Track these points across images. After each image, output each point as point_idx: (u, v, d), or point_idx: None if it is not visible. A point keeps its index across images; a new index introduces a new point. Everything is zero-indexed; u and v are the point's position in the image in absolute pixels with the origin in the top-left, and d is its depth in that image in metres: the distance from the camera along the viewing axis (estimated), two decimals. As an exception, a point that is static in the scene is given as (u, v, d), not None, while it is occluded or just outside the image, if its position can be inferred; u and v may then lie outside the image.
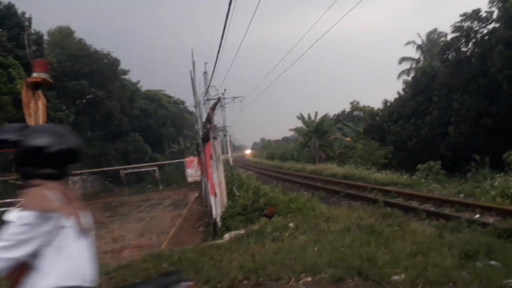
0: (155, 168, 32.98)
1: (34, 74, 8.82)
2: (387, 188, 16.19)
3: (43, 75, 8.77)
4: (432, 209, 11.05)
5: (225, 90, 13.81)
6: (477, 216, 9.35)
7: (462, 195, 12.91)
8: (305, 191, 17.83)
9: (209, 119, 9.78)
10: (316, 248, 5.81)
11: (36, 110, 8.38)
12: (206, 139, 12.29)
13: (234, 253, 6.14)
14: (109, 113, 34.37)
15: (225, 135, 13.75)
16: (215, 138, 9.72)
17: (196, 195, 24.78)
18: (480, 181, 14.19)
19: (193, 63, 15.44)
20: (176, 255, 6.32)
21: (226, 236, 7.46)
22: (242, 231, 7.53)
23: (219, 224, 9.69)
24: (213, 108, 10.23)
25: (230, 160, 14.39)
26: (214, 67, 16.91)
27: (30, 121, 8.40)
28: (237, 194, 10.22)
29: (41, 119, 8.64)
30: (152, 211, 20.41)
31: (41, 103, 8.71)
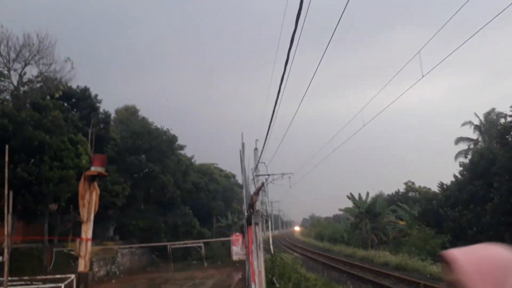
0: (201, 244, 32.93)
1: (93, 168, 9.62)
2: (442, 285, 14.78)
3: (100, 169, 9.53)
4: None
5: (268, 176, 13.96)
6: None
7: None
8: (352, 284, 16.71)
9: (252, 204, 9.84)
10: None
11: (89, 200, 8.98)
12: (249, 222, 12.30)
13: None
14: (163, 187, 35.73)
15: (266, 221, 13.57)
16: (256, 224, 9.68)
17: (240, 276, 24.12)
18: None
19: (243, 145, 16.01)
20: None
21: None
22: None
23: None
24: (256, 193, 10.33)
25: (271, 247, 14.01)
26: (264, 145, 17.37)
27: (83, 211, 8.99)
28: (277, 286, 9.85)
29: (93, 208, 9.22)
30: (194, 292, 20.08)
31: (95, 194, 9.33)
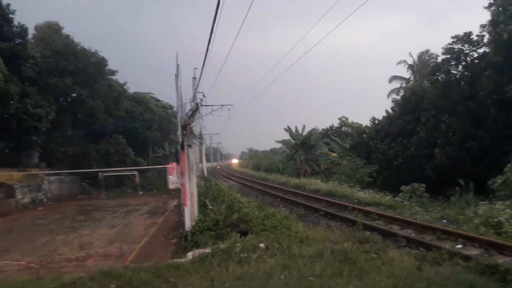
0: (135, 172, 32.07)
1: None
2: (369, 209, 15.67)
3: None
4: (412, 235, 10.52)
5: (204, 96, 13.19)
6: (459, 246, 8.87)
7: (445, 221, 12.48)
8: (285, 207, 17.25)
9: (185, 126, 9.19)
10: (282, 276, 5.23)
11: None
12: (183, 147, 11.71)
13: (192, 276, 5.53)
14: (92, 112, 33.43)
15: (200, 143, 13.06)
16: (189, 146, 9.15)
17: (175, 202, 24.04)
18: (463, 207, 13.79)
19: (177, 66, 14.84)
20: (128, 275, 5.68)
21: (189, 255, 6.84)
22: (207, 250, 6.91)
23: (189, 238, 9.07)
24: (189, 115, 9.66)
25: (205, 170, 13.71)
26: (201, 72, 16.34)
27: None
28: (210, 207, 9.58)
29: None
30: (127, 218, 19.66)
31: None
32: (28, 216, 21.64)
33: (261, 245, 7.17)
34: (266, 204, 14.54)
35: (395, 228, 11.77)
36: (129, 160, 38.51)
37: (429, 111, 24.72)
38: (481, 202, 12.30)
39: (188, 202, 9.11)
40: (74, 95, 33.49)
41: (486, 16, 21.64)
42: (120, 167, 34.02)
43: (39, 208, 24.92)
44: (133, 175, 32.32)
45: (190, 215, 9.03)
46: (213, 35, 10.10)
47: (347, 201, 18.63)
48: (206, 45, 10.70)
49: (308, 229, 9.49)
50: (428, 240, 9.76)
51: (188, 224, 9.15)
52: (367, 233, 9.70)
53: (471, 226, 10.22)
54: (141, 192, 31.10)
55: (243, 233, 8.56)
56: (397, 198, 17.94)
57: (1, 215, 21.40)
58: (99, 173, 30.22)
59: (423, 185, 18.36)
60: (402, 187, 18.98)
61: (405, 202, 16.80)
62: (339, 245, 6.95)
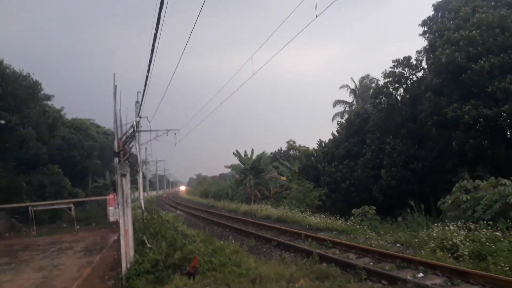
0: (71, 205, 29.46)
1: None
2: (322, 235, 15.09)
3: None
4: (371, 264, 9.96)
5: (140, 117, 12.13)
6: (421, 275, 8.39)
7: (399, 244, 12.15)
8: (235, 238, 16.19)
9: (118, 152, 8.07)
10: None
11: None
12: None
13: None
14: (23, 141, 30.59)
15: (137, 171, 11.84)
16: (123, 175, 8.00)
17: (116, 237, 22.09)
18: (415, 229, 13.62)
19: (115, 87, 13.58)
20: None
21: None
22: (142, 301, 5.77)
23: (123, 283, 7.79)
24: (124, 141, 8.54)
25: (142, 201, 12.46)
26: (143, 95, 15.28)
27: None
28: (149, 245, 8.39)
29: None
30: (58, 257, 17.58)
31: None
32: None
33: (208, 290, 6.17)
34: (214, 236, 13.48)
35: (352, 257, 11.18)
36: (66, 192, 35.60)
37: (373, 133, 25.19)
38: (435, 225, 12.11)
39: (122, 241, 7.88)
40: (2, 122, 30.57)
41: (420, 43, 22.76)
42: (56, 199, 31.21)
43: (-46, 250, 21.78)
44: (69, 208, 29.65)
45: (125, 256, 7.79)
46: (154, 54, 9.32)
47: (299, 228, 17.99)
48: (147, 67, 9.84)
49: (260, 263, 8.59)
50: (388, 269, 9.20)
51: (123, 266, 7.90)
52: (324, 265, 8.99)
53: (427, 251, 9.87)
54: (78, 227, 28.48)
55: (191, 274, 7.48)
56: (348, 222, 17.60)
57: None
58: (29, 208, 27.34)
59: (373, 207, 18.24)
60: (353, 210, 18.74)
61: (357, 226, 16.49)
62: (295, 284, 6.11)
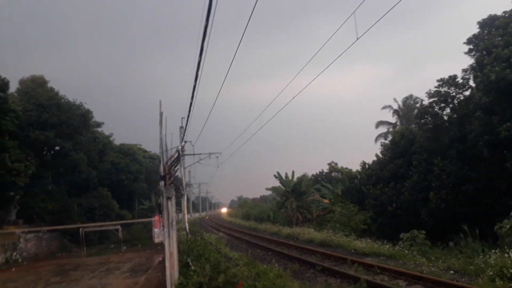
0: (118, 227, 30.45)
1: None
2: (369, 260, 14.53)
3: None
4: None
5: (184, 142, 12.48)
6: (480, 306, 7.87)
7: (452, 271, 11.44)
8: (278, 262, 15.95)
9: (164, 176, 8.31)
10: None
11: None
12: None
13: None
14: (75, 165, 32.38)
15: (182, 195, 12.12)
16: (169, 198, 8.20)
17: (160, 258, 22.49)
18: (470, 255, 12.79)
19: (161, 114, 14.17)
20: None
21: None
22: (187, 324, 5.78)
23: (168, 306, 7.87)
24: (170, 165, 8.81)
25: (186, 224, 12.62)
26: (187, 121, 15.78)
27: None
28: (193, 268, 8.46)
29: None
30: (106, 277, 18.12)
31: None
32: (-1, 279, 19.85)
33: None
34: (257, 260, 13.36)
35: (402, 284, 10.65)
36: (114, 214, 36.94)
37: (420, 154, 24.28)
38: (492, 251, 11.31)
39: (167, 263, 8.02)
40: (56, 148, 32.55)
41: (466, 61, 22.03)
42: (104, 221, 32.46)
43: (12, 269, 23.06)
44: (117, 229, 30.66)
45: (170, 278, 7.90)
46: (197, 82, 9.66)
47: (344, 252, 17.46)
48: (191, 94, 10.21)
49: (304, 290, 8.38)
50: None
51: (168, 288, 8.01)
52: (372, 292, 8.64)
53: (485, 279, 9.21)
54: (124, 248, 29.32)
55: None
56: (396, 247, 16.86)
57: (-31, 278, 19.63)
58: (80, 229, 28.55)
59: (423, 232, 17.39)
60: (402, 235, 17.95)
61: (406, 251, 15.75)
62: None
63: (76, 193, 35.57)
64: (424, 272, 11.54)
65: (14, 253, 25.47)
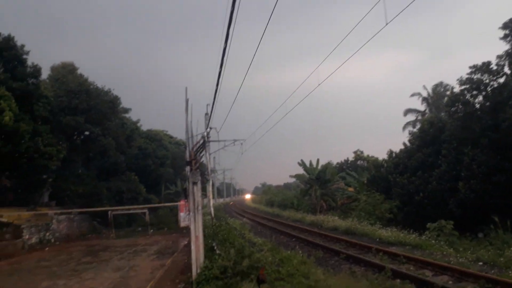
0: (145, 210, 31.23)
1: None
2: (394, 250, 14.36)
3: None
4: (451, 283, 9.25)
5: (211, 128, 12.58)
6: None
7: (481, 263, 11.17)
8: (301, 249, 16.00)
9: (190, 161, 8.43)
10: None
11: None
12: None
13: None
14: (104, 150, 33.28)
15: (207, 180, 12.29)
16: (195, 183, 8.32)
17: (186, 242, 22.97)
18: (501, 246, 12.44)
19: (187, 101, 14.29)
20: None
21: (191, 313, 5.85)
22: (213, 306, 5.90)
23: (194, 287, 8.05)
24: (196, 150, 8.91)
25: (211, 209, 12.79)
26: (212, 108, 15.91)
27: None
28: (218, 252, 8.60)
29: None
30: (134, 259, 18.66)
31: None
32: (33, 257, 20.79)
33: (276, 299, 6.15)
34: (281, 246, 13.44)
35: (429, 274, 10.45)
36: (141, 198, 37.89)
37: (450, 143, 23.62)
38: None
39: (193, 246, 8.17)
40: (86, 133, 33.52)
41: (501, 47, 21.10)
42: (132, 204, 33.35)
43: (46, 248, 24.10)
44: (144, 213, 31.47)
45: (195, 261, 8.06)
46: (223, 68, 9.67)
47: (369, 241, 17.32)
48: (216, 80, 10.23)
49: (329, 276, 8.37)
50: (471, 290, 8.49)
51: (193, 271, 8.17)
52: (398, 281, 8.52)
53: (516, 271, 8.95)
54: (151, 231, 30.10)
55: (261, 281, 7.52)
56: (423, 237, 16.58)
57: (6, 256, 20.62)
58: (109, 212, 29.47)
59: (451, 222, 17.01)
60: (429, 225, 17.62)
61: (433, 241, 15.47)
62: (367, 300, 5.87)
63: (105, 177, 36.65)
64: (452, 262, 11.31)
65: (47, 234, 26.53)
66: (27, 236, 24.35)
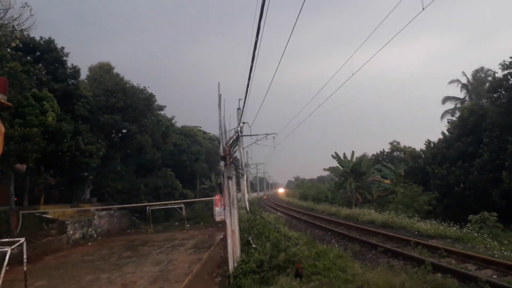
0: (182, 205, 31.92)
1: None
2: (433, 243, 13.93)
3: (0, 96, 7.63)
4: (495, 277, 8.89)
5: (244, 123, 12.63)
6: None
7: (528, 257, 10.65)
8: (337, 243, 15.83)
9: (225, 156, 8.52)
10: None
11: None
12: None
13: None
14: (141, 147, 34.17)
15: (242, 174, 12.39)
16: (230, 177, 8.40)
17: (221, 236, 23.32)
18: (550, 239, 11.83)
19: (219, 96, 14.47)
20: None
21: (229, 306, 5.93)
22: (250, 300, 5.96)
23: (231, 282, 8.16)
24: (230, 145, 8.99)
25: (246, 203, 12.88)
26: (244, 102, 15.98)
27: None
28: (254, 246, 8.66)
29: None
30: (172, 253, 19.16)
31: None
32: (78, 252, 21.77)
33: (313, 293, 6.13)
34: (316, 240, 13.36)
35: (471, 268, 10.09)
36: (177, 193, 38.69)
37: (492, 131, 22.57)
38: None
39: (229, 241, 8.28)
40: (123, 131, 34.54)
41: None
42: (168, 200, 34.14)
43: (89, 243, 25.16)
44: (180, 208, 32.19)
45: (232, 254, 8.17)
46: (254, 62, 9.66)
47: (407, 234, 16.89)
48: (248, 75, 10.25)
49: (367, 270, 8.25)
50: (517, 284, 8.12)
51: (230, 265, 8.28)
52: (439, 275, 8.27)
53: None
54: (188, 225, 30.77)
55: (299, 275, 7.53)
56: (464, 229, 15.99)
57: (53, 251, 21.71)
58: (147, 208, 30.35)
59: (495, 214, 16.30)
60: (470, 217, 16.98)
61: (475, 234, 14.89)
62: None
63: (142, 173, 37.69)
64: (496, 256, 10.84)
65: (90, 229, 27.67)
66: (71, 232, 25.50)
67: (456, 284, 7.43)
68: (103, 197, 32.59)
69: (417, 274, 7.73)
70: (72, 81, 27.22)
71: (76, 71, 27.42)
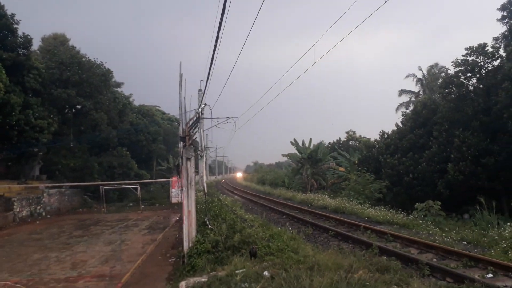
0: (137, 186, 31.30)
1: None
2: (382, 228, 14.68)
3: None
4: (435, 260, 9.53)
5: (205, 104, 12.52)
6: (490, 276, 7.91)
7: (465, 243, 11.48)
8: (292, 226, 16.27)
9: (184, 137, 8.42)
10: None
11: None
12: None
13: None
14: (96, 124, 32.94)
15: (201, 156, 12.35)
16: (188, 159, 8.33)
17: (177, 218, 23.19)
18: (485, 227, 12.78)
19: (181, 75, 14.13)
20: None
21: (182, 285, 5.96)
22: (203, 278, 6.03)
23: (185, 261, 8.18)
24: (189, 126, 8.90)
25: (205, 185, 12.88)
26: (206, 84, 15.75)
27: None
28: (210, 227, 8.71)
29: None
30: (125, 233, 18.83)
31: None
32: (25, 230, 20.87)
33: (266, 273, 6.29)
34: (272, 222, 13.64)
35: (414, 252, 10.77)
36: (133, 173, 37.89)
37: (441, 125, 23.82)
38: (508, 224, 11.27)
39: (185, 221, 8.26)
40: (78, 106, 33.10)
41: (498, 29, 21.01)
42: (123, 180, 33.37)
43: (37, 222, 24.17)
44: (135, 188, 31.56)
45: (187, 235, 8.17)
46: (218, 43, 9.51)
47: (357, 219, 17.65)
48: (211, 56, 10.09)
49: (318, 252, 8.58)
50: (453, 267, 8.76)
51: (185, 245, 8.29)
52: (384, 258, 8.75)
53: (498, 251, 9.24)
54: (142, 206, 30.28)
55: (253, 254, 7.68)
56: (410, 217, 16.94)
57: (-3, 229, 20.70)
58: (100, 186, 29.50)
59: (439, 202, 17.34)
60: (416, 205, 17.97)
61: (420, 221, 15.82)
62: (354, 275, 6.04)
63: (96, 151, 36.47)
64: (437, 241, 11.62)
65: (38, 207, 26.57)
66: (18, 209, 24.37)
67: (399, 266, 7.92)
68: (54, 174, 31.30)
69: (365, 257, 8.14)
70: (22, 51, 25.61)
71: (27, 41, 25.78)
